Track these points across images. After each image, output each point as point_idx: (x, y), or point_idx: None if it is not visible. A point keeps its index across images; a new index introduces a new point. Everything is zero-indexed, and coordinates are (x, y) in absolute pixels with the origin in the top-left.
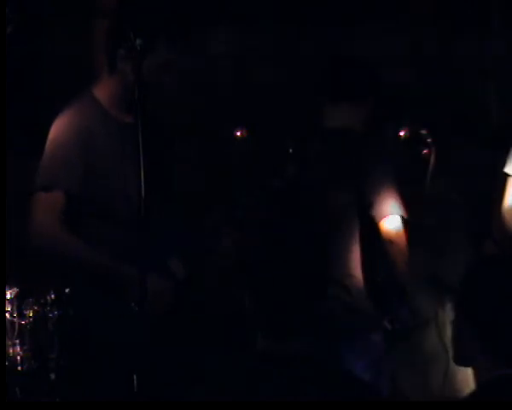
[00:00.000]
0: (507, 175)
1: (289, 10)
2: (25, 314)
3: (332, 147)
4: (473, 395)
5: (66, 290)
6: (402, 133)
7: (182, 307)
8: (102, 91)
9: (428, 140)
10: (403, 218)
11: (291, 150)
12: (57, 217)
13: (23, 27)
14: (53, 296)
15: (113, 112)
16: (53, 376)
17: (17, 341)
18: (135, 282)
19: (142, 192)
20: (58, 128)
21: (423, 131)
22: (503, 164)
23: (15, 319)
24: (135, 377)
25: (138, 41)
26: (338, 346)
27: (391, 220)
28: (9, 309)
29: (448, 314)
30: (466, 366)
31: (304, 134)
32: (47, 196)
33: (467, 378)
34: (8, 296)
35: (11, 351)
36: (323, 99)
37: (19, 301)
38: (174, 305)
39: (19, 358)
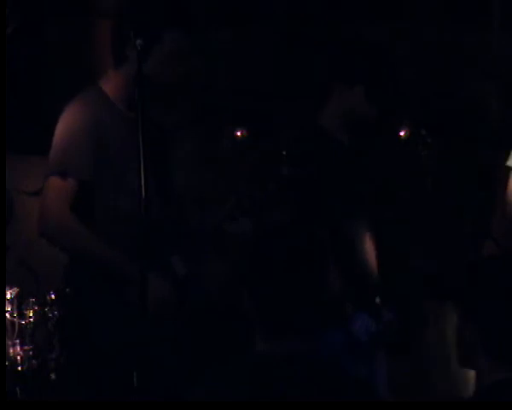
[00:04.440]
0: (509, 169)
1: (289, 10)
2: (25, 314)
3: (325, 150)
4: (473, 397)
5: (67, 290)
6: (402, 133)
7: (182, 307)
8: (109, 85)
9: (428, 140)
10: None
11: (285, 153)
12: (68, 204)
13: (23, 27)
14: (53, 296)
15: (120, 105)
16: (53, 376)
17: (17, 341)
18: (137, 277)
19: (143, 190)
20: (68, 117)
21: (423, 131)
22: (505, 159)
23: (15, 319)
24: (135, 377)
25: (138, 41)
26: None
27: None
28: (9, 309)
29: (448, 314)
30: (469, 367)
31: (299, 134)
32: (59, 182)
33: (467, 379)
34: (8, 296)
35: (11, 351)
36: (338, 82)
37: (19, 301)
38: (174, 304)
39: (19, 358)
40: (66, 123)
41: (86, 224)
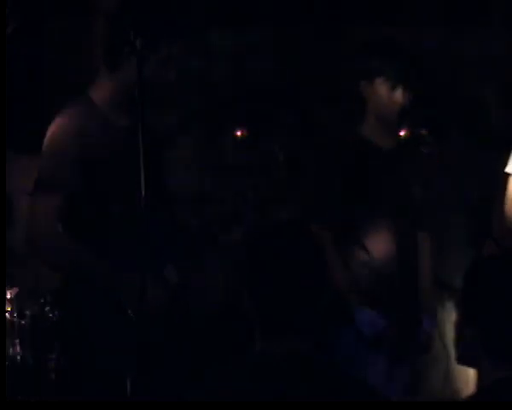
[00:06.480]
0: (508, 175)
1: (288, 10)
2: (25, 314)
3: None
4: (474, 397)
5: (66, 290)
6: (402, 133)
7: (178, 308)
8: (99, 93)
9: (428, 140)
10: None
11: (281, 157)
12: (56, 221)
13: (23, 27)
14: (53, 296)
15: (110, 114)
16: (53, 376)
17: (17, 341)
18: (132, 285)
19: (142, 189)
20: (56, 131)
21: (423, 131)
22: (504, 164)
23: (15, 319)
24: (134, 377)
25: (139, 41)
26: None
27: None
28: (9, 309)
29: (448, 314)
30: (468, 366)
31: (298, 135)
32: (46, 197)
33: (467, 378)
34: (8, 296)
35: (11, 351)
36: (366, 80)
37: (19, 301)
38: (170, 304)
39: (19, 358)
40: (53, 137)
41: (77, 235)
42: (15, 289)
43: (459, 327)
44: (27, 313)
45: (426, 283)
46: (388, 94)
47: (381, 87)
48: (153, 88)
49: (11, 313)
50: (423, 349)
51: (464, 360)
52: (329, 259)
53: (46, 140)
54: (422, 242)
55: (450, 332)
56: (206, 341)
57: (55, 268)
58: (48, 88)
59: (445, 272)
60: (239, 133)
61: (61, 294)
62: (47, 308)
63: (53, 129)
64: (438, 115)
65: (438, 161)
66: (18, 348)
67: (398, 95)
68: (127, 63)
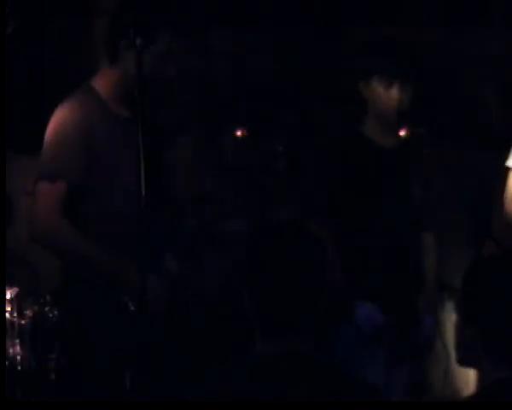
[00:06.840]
0: (508, 169)
1: (288, 10)
2: (25, 314)
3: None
4: (474, 397)
5: (66, 290)
6: (402, 133)
7: (179, 306)
8: (101, 83)
9: (428, 140)
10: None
11: (281, 148)
12: (58, 208)
13: (23, 27)
14: (53, 296)
15: (112, 104)
16: (53, 376)
17: (17, 341)
18: (132, 279)
19: (143, 189)
20: (59, 119)
21: (423, 131)
22: (505, 160)
23: (15, 319)
24: (134, 377)
25: (138, 40)
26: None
27: None
28: (9, 309)
29: (448, 314)
30: (468, 366)
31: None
32: (49, 186)
33: (467, 378)
34: (8, 296)
35: (11, 351)
36: (377, 81)
37: (19, 301)
38: (171, 303)
39: (19, 358)
40: (56, 125)
41: (78, 225)
42: (15, 289)
43: (459, 327)
44: (27, 313)
45: (428, 282)
46: (386, 91)
47: (378, 85)
48: (153, 85)
49: (11, 313)
50: (424, 349)
51: (465, 360)
52: (329, 259)
53: (49, 128)
54: (426, 242)
55: (450, 332)
56: (206, 341)
57: (56, 255)
58: (48, 88)
59: (445, 272)
60: (239, 133)
61: (61, 294)
62: (47, 308)
63: (56, 117)
64: (438, 115)
65: (438, 161)
66: (18, 348)
67: (395, 91)
68: (127, 54)
